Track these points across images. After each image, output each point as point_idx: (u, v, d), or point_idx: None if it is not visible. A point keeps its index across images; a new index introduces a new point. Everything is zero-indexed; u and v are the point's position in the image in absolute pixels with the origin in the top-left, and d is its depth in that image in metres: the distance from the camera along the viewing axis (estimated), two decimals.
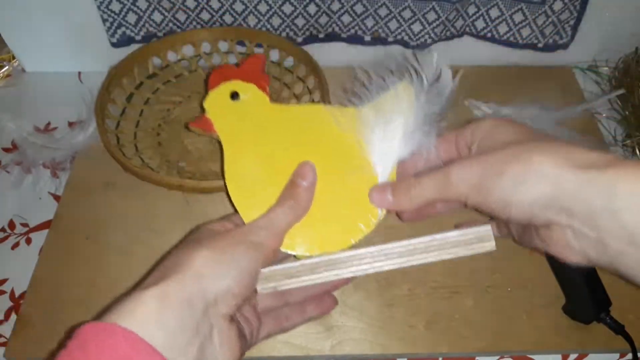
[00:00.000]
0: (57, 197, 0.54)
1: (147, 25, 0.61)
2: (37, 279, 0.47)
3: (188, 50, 0.62)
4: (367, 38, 0.63)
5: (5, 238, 0.52)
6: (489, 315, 0.45)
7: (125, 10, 0.60)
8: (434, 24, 0.60)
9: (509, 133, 0.32)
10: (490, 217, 0.33)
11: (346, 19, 0.61)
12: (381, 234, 0.36)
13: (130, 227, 0.50)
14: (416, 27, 0.61)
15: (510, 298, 0.46)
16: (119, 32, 0.62)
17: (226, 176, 0.37)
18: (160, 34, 0.62)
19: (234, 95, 0.39)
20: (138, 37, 0.63)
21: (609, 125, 0.60)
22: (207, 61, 0.62)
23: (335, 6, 0.60)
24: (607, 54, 0.64)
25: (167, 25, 0.62)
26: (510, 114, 0.57)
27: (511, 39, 0.63)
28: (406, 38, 0.62)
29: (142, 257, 0.48)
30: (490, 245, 0.33)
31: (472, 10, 0.60)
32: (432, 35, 0.61)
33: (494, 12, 0.60)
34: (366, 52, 0.64)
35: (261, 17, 0.61)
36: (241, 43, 0.61)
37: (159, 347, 0.26)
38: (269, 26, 0.62)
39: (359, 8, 0.60)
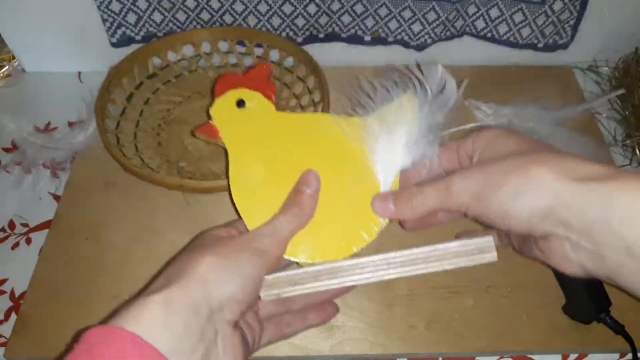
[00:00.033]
0: (57, 197, 0.54)
1: (147, 25, 0.62)
2: (37, 279, 0.47)
3: (188, 50, 0.62)
4: (367, 38, 0.63)
5: (5, 238, 0.52)
6: (489, 315, 0.45)
7: (125, 10, 0.60)
8: (434, 24, 0.60)
9: (510, 143, 0.32)
10: (491, 227, 0.34)
11: (346, 19, 0.61)
12: (384, 243, 0.36)
13: (130, 227, 0.50)
14: (416, 27, 0.61)
15: (510, 298, 0.46)
16: (119, 32, 0.62)
17: (231, 183, 0.37)
18: (160, 34, 0.62)
19: (240, 103, 0.40)
20: (138, 37, 0.63)
21: (609, 125, 0.60)
22: (207, 61, 0.62)
23: (335, 6, 0.60)
24: (607, 54, 0.64)
25: (167, 25, 0.62)
26: (510, 113, 0.57)
27: (511, 39, 0.63)
28: (406, 38, 0.62)
29: (142, 257, 0.48)
30: (491, 256, 0.33)
31: (472, 10, 0.60)
32: (432, 35, 0.61)
33: (494, 12, 0.60)
34: (366, 52, 0.64)
35: (261, 17, 0.61)
36: (241, 43, 0.62)
37: (165, 351, 0.26)
38: (269, 26, 0.62)
39: (359, 8, 0.60)
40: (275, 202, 0.36)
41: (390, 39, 0.63)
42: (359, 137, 0.38)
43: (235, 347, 0.30)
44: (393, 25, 0.61)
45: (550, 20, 0.60)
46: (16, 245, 0.51)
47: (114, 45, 0.63)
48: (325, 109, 0.51)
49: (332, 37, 0.63)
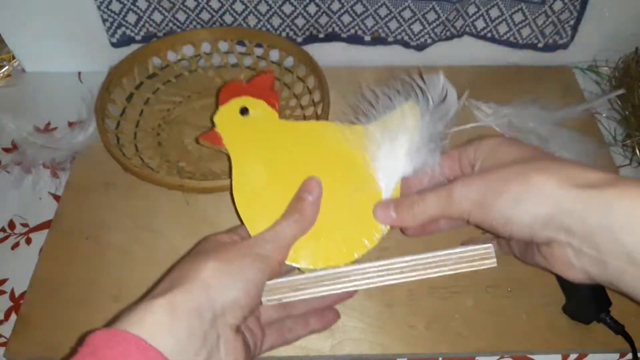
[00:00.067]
0: (57, 197, 0.54)
1: (147, 25, 0.62)
2: (37, 279, 0.47)
3: (188, 50, 0.62)
4: (367, 38, 0.63)
5: (5, 238, 0.52)
6: (489, 315, 0.45)
7: (125, 10, 0.60)
8: (434, 24, 0.60)
9: (512, 152, 0.32)
10: (493, 234, 0.34)
11: (346, 19, 0.61)
12: (385, 247, 0.36)
13: (130, 227, 0.50)
14: (416, 27, 0.61)
15: (510, 298, 0.46)
16: (119, 32, 0.62)
17: (234, 189, 0.38)
18: (160, 34, 0.62)
19: (244, 111, 0.41)
20: (138, 37, 0.63)
21: (609, 125, 0.60)
22: (207, 61, 0.62)
23: (335, 6, 0.60)
24: (607, 54, 0.64)
25: (167, 25, 0.62)
26: (510, 113, 0.57)
27: (511, 39, 0.63)
28: (406, 38, 0.62)
29: (142, 257, 0.48)
30: (491, 262, 0.34)
31: (472, 10, 0.60)
32: (432, 35, 0.61)
33: (494, 12, 0.60)
34: (366, 52, 0.64)
35: (261, 17, 0.61)
36: (241, 43, 0.62)
37: (168, 355, 0.26)
38: (269, 26, 0.62)
39: (359, 8, 0.60)
40: (278, 208, 0.36)
41: (390, 39, 0.63)
42: (361, 145, 0.38)
43: (237, 351, 0.31)
44: (393, 25, 0.61)
45: (550, 20, 0.60)
46: (16, 245, 0.51)
47: (114, 45, 0.63)
48: (325, 108, 0.51)
49: (332, 37, 0.63)
